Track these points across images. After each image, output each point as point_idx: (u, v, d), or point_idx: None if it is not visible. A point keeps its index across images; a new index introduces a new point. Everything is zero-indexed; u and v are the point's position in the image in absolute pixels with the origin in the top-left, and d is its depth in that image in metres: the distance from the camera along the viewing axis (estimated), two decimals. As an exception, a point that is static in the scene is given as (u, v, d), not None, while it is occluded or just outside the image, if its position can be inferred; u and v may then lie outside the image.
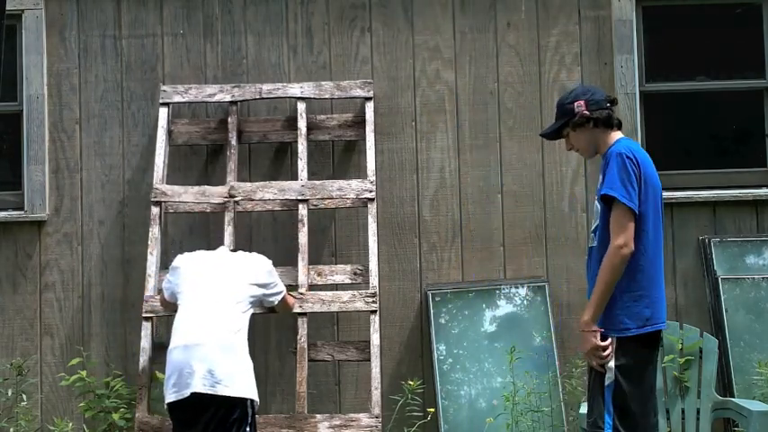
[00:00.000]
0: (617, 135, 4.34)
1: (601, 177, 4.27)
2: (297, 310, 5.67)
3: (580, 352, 4.22)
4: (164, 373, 5.87)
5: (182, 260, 5.24)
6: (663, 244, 4.27)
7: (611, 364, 4.12)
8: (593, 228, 4.31)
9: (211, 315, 4.88)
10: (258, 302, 5.18)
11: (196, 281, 5.06)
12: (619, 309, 4.13)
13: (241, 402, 4.74)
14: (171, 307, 5.29)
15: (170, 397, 4.78)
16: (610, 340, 4.13)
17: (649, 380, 4.19)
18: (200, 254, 5.33)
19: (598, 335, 4.12)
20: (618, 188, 4.12)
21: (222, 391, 4.69)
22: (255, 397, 4.82)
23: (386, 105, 6.33)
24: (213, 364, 4.71)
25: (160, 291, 5.52)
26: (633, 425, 4.10)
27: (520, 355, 5.71)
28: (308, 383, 5.68)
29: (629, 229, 4.09)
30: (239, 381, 4.76)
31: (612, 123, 4.34)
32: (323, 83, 6.26)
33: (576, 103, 4.34)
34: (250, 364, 4.88)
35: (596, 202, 4.29)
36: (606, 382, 4.12)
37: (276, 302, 5.33)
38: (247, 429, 4.73)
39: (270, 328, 6.14)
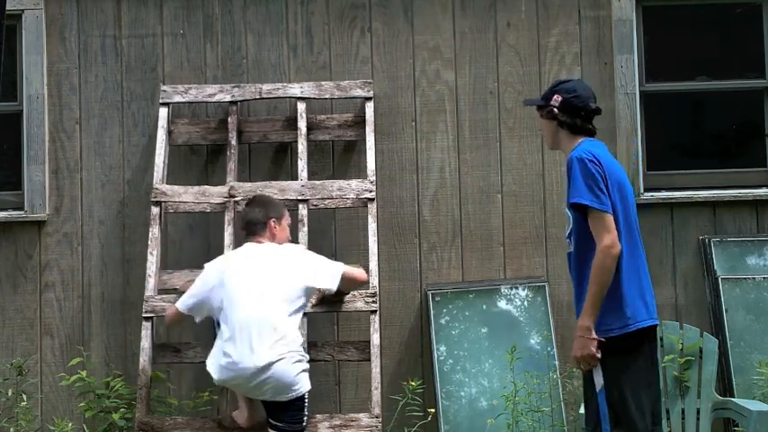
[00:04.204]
0: (582, 138, 4.28)
1: (568, 182, 4.21)
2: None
3: (574, 354, 4.16)
4: (164, 373, 5.91)
5: (215, 271, 5.25)
6: (641, 242, 4.24)
7: (599, 367, 4.10)
8: (566, 233, 4.29)
9: (267, 327, 5.04)
10: (309, 294, 5.32)
11: (241, 289, 5.12)
12: (601, 311, 4.10)
13: (300, 398, 5.10)
14: (180, 321, 5.37)
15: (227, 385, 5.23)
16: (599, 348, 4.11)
17: (641, 380, 4.13)
18: (233, 259, 5.32)
19: (596, 343, 4.08)
20: (586, 194, 4.09)
21: (282, 398, 5.07)
22: (309, 387, 5.14)
23: (386, 105, 6.34)
24: (274, 383, 5.02)
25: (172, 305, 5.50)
26: (629, 426, 4.07)
27: (520, 355, 5.71)
28: (308, 383, 5.68)
29: (611, 230, 4.07)
30: (296, 384, 5.07)
31: (576, 131, 4.28)
32: (323, 83, 6.26)
33: (554, 96, 4.31)
34: (303, 361, 5.11)
35: (566, 208, 4.26)
36: (597, 388, 4.11)
37: (334, 287, 5.34)
38: (304, 416, 5.12)
39: (270, 328, 6.13)
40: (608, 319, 4.10)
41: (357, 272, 5.46)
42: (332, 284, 5.34)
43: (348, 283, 5.45)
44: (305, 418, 5.11)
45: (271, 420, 5.11)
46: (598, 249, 4.07)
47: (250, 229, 5.39)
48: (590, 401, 4.17)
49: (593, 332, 4.08)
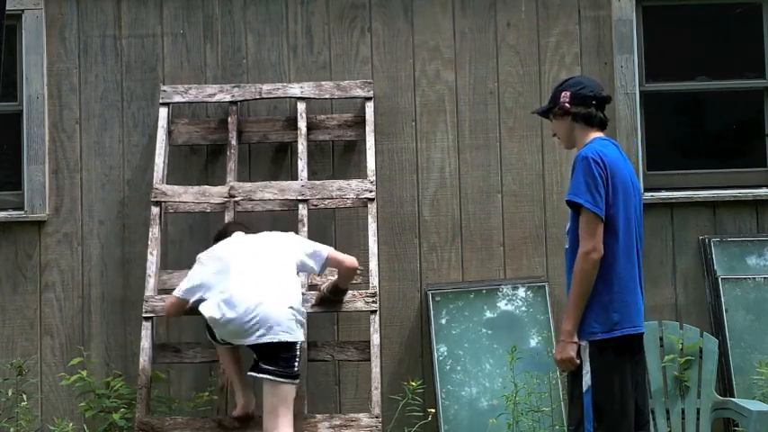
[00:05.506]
0: (595, 134, 4.30)
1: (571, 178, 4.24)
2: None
3: (554, 357, 4.19)
4: (164, 373, 5.91)
5: (210, 256, 5.35)
6: (641, 248, 4.23)
7: (587, 368, 4.11)
8: (566, 230, 4.30)
9: (272, 282, 5.19)
10: (302, 266, 5.41)
11: (241, 260, 5.25)
12: (588, 313, 4.10)
13: (294, 344, 5.14)
14: (180, 311, 5.38)
15: (234, 341, 5.23)
16: (581, 351, 4.12)
17: (626, 384, 4.12)
18: (225, 241, 5.44)
19: (576, 347, 4.10)
20: (583, 193, 4.09)
21: (270, 339, 5.09)
22: (301, 339, 5.23)
23: (386, 105, 6.34)
24: (263, 320, 5.07)
25: (170, 296, 5.53)
26: (612, 427, 4.07)
27: (520, 355, 5.72)
28: (308, 383, 5.68)
29: (596, 235, 4.07)
30: (286, 330, 5.11)
31: (592, 122, 4.30)
32: (323, 83, 6.26)
33: (562, 93, 4.33)
34: (297, 312, 5.18)
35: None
36: (584, 388, 4.11)
37: (324, 253, 5.41)
38: (296, 362, 5.14)
39: (270, 328, 6.14)
40: (594, 322, 4.10)
41: (345, 256, 5.51)
42: (320, 250, 5.41)
43: (337, 265, 5.48)
44: (297, 365, 5.11)
45: (263, 365, 5.08)
46: (579, 253, 4.08)
47: (235, 226, 5.60)
48: (574, 401, 4.17)
49: (575, 336, 4.11)
